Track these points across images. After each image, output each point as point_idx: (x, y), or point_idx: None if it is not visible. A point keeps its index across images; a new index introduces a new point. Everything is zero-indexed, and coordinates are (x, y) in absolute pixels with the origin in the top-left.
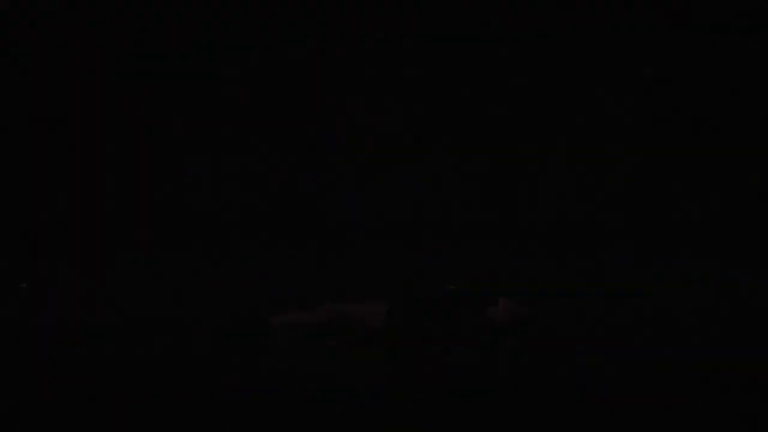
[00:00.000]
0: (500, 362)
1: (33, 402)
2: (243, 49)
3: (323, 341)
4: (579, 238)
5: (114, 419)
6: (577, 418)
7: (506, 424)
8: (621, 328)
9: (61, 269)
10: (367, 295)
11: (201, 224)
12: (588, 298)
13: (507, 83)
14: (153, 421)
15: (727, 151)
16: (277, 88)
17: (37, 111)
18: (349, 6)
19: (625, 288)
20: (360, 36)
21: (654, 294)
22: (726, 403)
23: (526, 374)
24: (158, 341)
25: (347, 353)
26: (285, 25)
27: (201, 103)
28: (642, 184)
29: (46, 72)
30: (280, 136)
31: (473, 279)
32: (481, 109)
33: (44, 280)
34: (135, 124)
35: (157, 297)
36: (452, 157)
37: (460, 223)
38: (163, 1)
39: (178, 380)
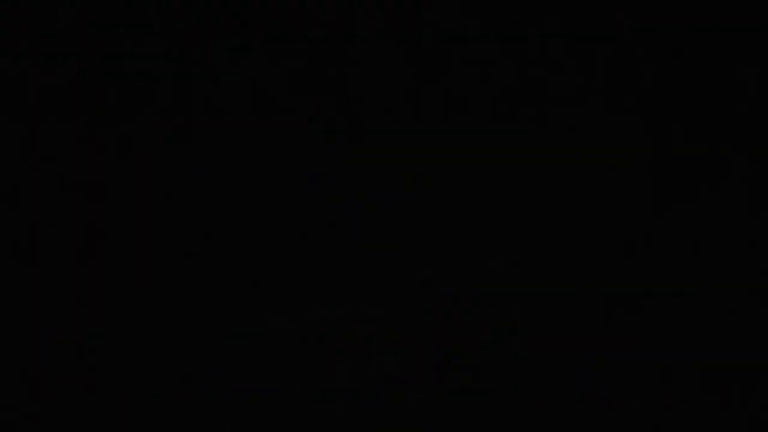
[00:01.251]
0: (500, 362)
1: (33, 402)
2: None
3: (323, 342)
4: (578, 238)
5: (113, 419)
6: (578, 418)
7: (506, 424)
8: (621, 328)
9: (60, 269)
10: (367, 295)
11: (200, 223)
12: (587, 297)
13: (504, 83)
14: (153, 421)
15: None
16: (275, 88)
17: (36, 110)
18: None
19: (625, 288)
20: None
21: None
22: (726, 402)
23: (526, 374)
24: (157, 342)
25: (347, 354)
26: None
27: (199, 102)
28: (642, 185)
29: (44, 69)
30: (280, 135)
31: (473, 279)
32: (479, 108)
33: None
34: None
35: (158, 296)
36: (451, 157)
37: (458, 223)
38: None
39: (176, 381)
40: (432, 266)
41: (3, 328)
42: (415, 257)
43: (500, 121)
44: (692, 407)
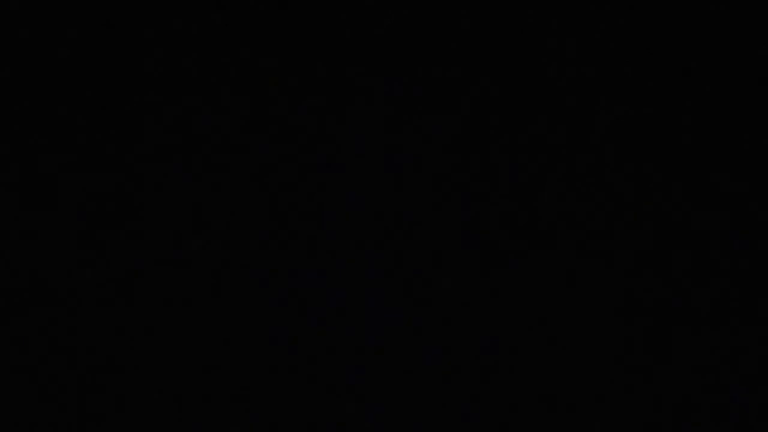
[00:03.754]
0: (500, 362)
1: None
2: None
3: (323, 342)
4: (578, 238)
5: (114, 419)
6: (578, 417)
7: (506, 424)
8: (622, 330)
9: (61, 269)
10: (367, 295)
11: (199, 223)
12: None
13: (504, 83)
14: (152, 421)
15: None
16: (275, 88)
17: (36, 111)
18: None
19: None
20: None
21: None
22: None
23: (526, 374)
24: (156, 342)
25: (347, 354)
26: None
27: (199, 103)
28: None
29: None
30: (279, 135)
31: (473, 279)
32: (479, 108)
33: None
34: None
35: (157, 296)
36: (451, 157)
37: (458, 223)
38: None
39: (175, 381)
40: (431, 266)
41: (3, 328)
42: (414, 257)
43: (500, 121)
44: (692, 407)
